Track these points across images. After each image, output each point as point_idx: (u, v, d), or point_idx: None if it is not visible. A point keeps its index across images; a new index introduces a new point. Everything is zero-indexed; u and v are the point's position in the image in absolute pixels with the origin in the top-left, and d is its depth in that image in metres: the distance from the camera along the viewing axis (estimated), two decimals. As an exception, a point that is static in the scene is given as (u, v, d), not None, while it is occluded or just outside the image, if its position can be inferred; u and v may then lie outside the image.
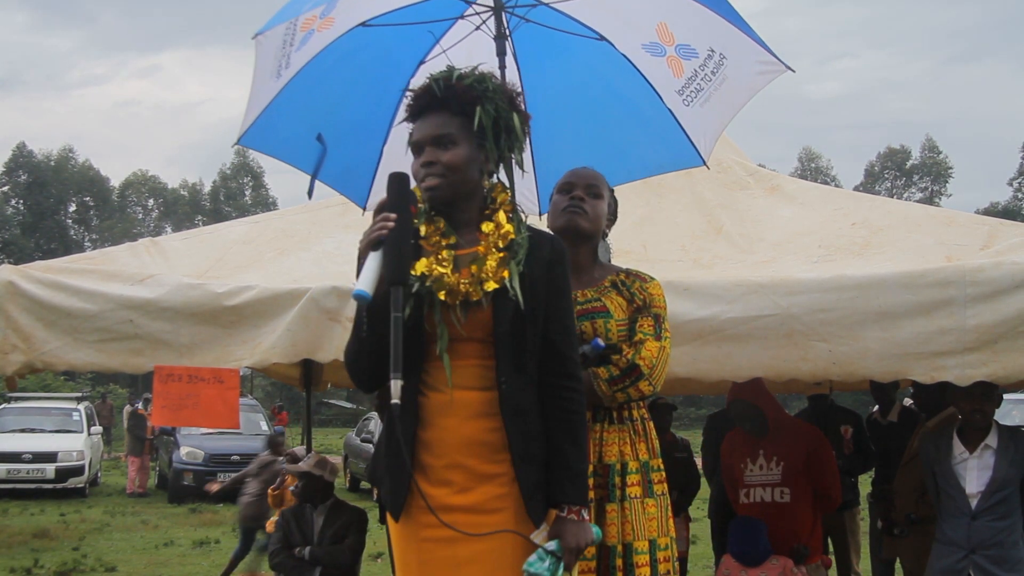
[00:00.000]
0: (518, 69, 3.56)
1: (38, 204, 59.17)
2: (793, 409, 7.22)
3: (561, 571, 2.24)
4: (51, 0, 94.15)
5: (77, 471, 15.69)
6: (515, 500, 2.31)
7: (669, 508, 2.85)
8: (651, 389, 2.75)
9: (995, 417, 4.05)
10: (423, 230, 2.40)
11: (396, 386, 2.18)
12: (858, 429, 6.40)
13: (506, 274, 2.31)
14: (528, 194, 3.63)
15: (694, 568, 8.20)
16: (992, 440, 3.97)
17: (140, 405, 18.05)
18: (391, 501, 2.37)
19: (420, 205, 2.41)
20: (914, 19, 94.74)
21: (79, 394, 20.95)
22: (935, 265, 3.42)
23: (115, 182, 66.38)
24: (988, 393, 3.86)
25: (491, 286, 2.30)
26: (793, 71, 3.29)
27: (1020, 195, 57.52)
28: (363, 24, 3.33)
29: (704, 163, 3.50)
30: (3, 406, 17.82)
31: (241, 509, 8.39)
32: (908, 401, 6.50)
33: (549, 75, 3.61)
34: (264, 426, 16.87)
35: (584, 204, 2.87)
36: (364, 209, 3.69)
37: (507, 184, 2.50)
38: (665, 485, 2.86)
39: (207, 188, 67.00)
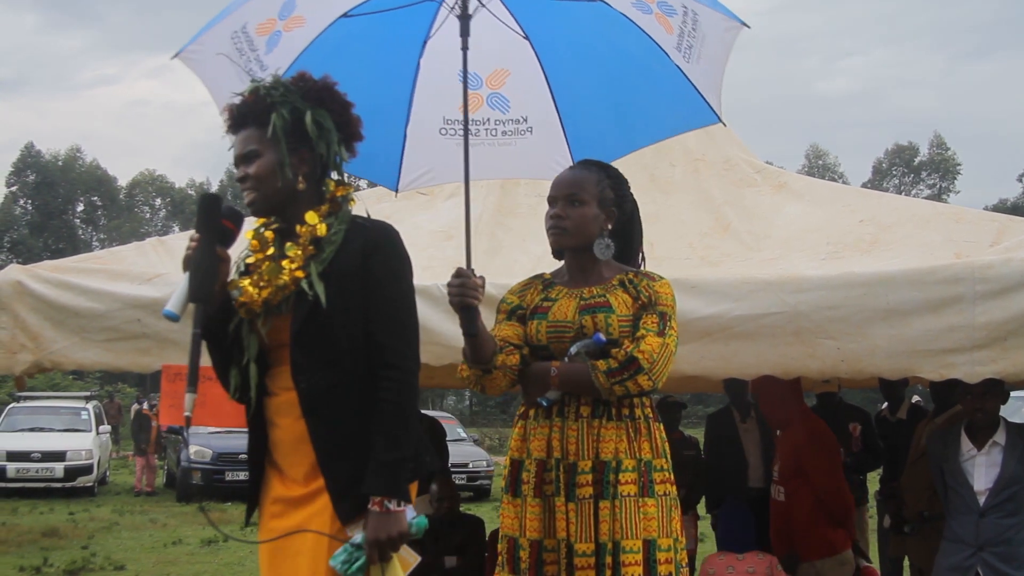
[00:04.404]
0: (529, 41, 3.44)
1: (46, 204, 59.34)
2: (801, 407, 7.20)
3: (360, 563, 2.24)
4: (61, 1, 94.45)
5: (86, 470, 15.77)
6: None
7: (675, 509, 2.76)
8: (651, 384, 2.67)
9: (1003, 414, 4.04)
10: (252, 245, 2.52)
11: (189, 399, 2.35)
12: (867, 427, 6.37)
13: (300, 275, 2.36)
14: (562, 160, 3.48)
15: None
16: (1000, 437, 3.95)
17: (145, 405, 18.11)
18: (249, 496, 2.55)
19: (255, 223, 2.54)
20: (926, 15, 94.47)
21: (87, 393, 21.00)
22: (944, 262, 3.40)
23: (123, 182, 66.61)
24: (990, 391, 3.84)
25: (288, 289, 2.37)
26: (748, 27, 3.20)
27: (1029, 191, 57.29)
28: (345, 15, 3.25)
29: (720, 119, 3.39)
30: (12, 405, 17.92)
31: None
32: (916, 398, 6.51)
33: (559, 43, 3.48)
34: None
35: (564, 221, 2.82)
36: (396, 192, 3.64)
37: (343, 178, 2.55)
38: (670, 485, 2.77)
39: (214, 187, 67.12)
